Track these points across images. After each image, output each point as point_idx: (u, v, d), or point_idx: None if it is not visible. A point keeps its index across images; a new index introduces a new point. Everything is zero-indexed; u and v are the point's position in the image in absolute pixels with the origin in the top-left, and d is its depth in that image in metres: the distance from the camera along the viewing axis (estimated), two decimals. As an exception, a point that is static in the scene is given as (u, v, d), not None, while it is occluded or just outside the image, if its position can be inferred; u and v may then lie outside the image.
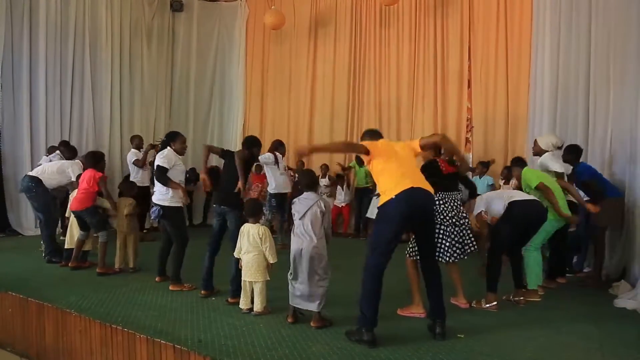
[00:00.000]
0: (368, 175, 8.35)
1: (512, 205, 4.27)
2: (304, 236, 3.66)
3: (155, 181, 4.86)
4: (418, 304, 3.96)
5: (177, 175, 4.89)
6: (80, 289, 4.62)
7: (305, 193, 3.81)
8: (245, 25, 10.53)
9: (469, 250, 4.18)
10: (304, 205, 3.70)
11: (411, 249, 4.03)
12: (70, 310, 3.92)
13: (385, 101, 9.01)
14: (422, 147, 3.66)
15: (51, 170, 6.12)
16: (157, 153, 5.04)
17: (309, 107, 9.86)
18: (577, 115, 6.31)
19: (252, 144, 4.69)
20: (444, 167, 4.18)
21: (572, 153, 5.38)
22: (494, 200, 4.45)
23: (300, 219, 3.68)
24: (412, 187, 3.31)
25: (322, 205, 3.71)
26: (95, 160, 5.55)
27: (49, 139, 8.35)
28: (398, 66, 8.86)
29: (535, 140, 5.46)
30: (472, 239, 4.20)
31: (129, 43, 9.81)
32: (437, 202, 3.97)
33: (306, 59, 9.90)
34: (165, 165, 4.76)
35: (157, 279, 4.97)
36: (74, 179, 5.92)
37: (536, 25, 7.05)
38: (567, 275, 5.43)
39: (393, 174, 3.39)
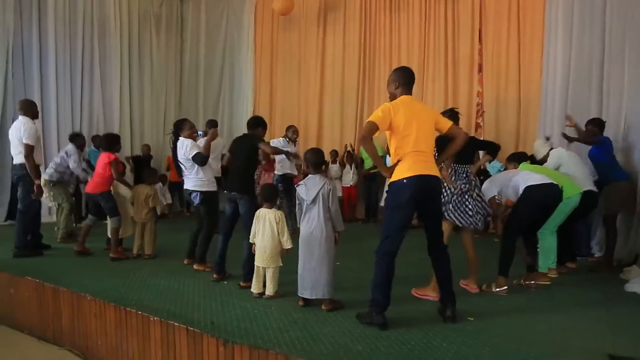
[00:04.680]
0: None
1: (530, 190, 4.24)
2: (316, 221, 3.66)
3: (188, 169, 4.91)
4: (435, 287, 3.94)
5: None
6: (94, 274, 4.70)
7: (311, 175, 3.78)
8: (253, 11, 10.47)
9: (479, 222, 4.13)
10: (314, 189, 3.66)
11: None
12: (85, 294, 4.00)
13: (395, 86, 8.94)
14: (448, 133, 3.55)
15: None
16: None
17: (319, 93, 9.84)
18: (590, 99, 6.24)
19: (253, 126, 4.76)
20: None
21: (597, 125, 5.38)
22: (507, 185, 4.41)
23: (311, 204, 3.68)
24: (422, 175, 3.30)
25: (330, 187, 3.67)
26: (109, 142, 5.54)
27: (60, 127, 8.44)
28: (408, 51, 8.78)
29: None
30: (485, 213, 4.17)
31: (137, 31, 9.86)
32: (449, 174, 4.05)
33: (315, 45, 9.85)
34: (199, 150, 4.86)
35: (185, 261, 5.10)
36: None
37: (549, 7, 6.94)
38: (578, 258, 5.42)
39: (408, 155, 3.33)
